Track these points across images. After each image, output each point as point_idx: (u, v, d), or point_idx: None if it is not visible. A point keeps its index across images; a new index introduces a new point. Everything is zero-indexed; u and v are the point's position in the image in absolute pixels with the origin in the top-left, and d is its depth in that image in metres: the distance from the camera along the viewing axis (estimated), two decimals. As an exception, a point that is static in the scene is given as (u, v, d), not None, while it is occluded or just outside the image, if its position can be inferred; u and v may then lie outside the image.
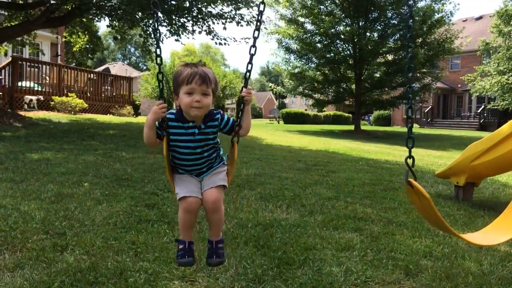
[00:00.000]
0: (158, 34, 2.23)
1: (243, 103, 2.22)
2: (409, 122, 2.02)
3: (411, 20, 2.05)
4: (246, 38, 13.34)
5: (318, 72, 23.36)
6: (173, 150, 2.20)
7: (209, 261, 2.21)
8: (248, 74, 2.29)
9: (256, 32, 2.28)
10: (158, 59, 2.19)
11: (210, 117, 2.19)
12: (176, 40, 13.16)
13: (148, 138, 2.15)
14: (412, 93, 2.05)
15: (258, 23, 2.31)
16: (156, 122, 2.13)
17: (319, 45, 22.36)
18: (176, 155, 2.20)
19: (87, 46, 16.33)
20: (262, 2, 2.30)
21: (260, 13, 2.33)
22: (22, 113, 12.62)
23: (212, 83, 2.12)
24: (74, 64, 22.79)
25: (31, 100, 14.75)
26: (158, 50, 2.19)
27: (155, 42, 2.25)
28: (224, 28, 13.26)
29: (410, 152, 1.97)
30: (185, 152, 2.17)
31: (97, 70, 24.99)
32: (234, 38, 13.49)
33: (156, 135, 2.16)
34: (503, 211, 2.75)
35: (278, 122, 34.76)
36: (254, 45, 2.26)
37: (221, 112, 2.27)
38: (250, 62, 2.26)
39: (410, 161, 1.96)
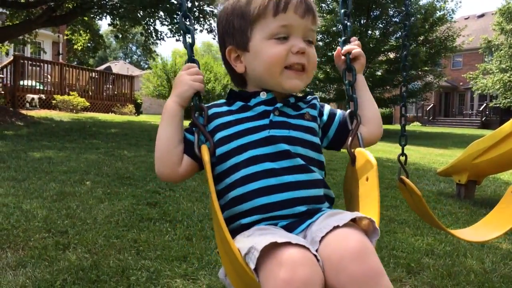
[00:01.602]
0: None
1: (353, 70, 1.22)
2: (403, 120, 2.06)
3: (407, 22, 2.06)
4: None
5: (320, 71, 23.34)
6: (225, 168, 1.09)
7: None
8: (347, 19, 1.31)
9: None
10: None
11: (301, 96, 1.19)
12: (177, 40, 13.20)
13: (165, 150, 1.07)
14: (406, 91, 2.09)
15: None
16: (184, 117, 1.10)
17: (320, 43, 22.33)
18: (235, 176, 1.07)
19: (89, 44, 16.36)
20: None
21: None
22: (24, 111, 12.65)
23: (317, 18, 1.15)
24: (75, 62, 22.83)
25: (32, 98, 14.78)
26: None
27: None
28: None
29: (403, 149, 2.02)
30: (256, 156, 1.05)
31: (98, 68, 25.01)
32: None
33: (185, 146, 1.09)
34: (494, 207, 2.74)
35: (280, 121, 34.70)
36: None
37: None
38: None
39: (402, 158, 2.00)
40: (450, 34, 21.89)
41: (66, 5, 12.44)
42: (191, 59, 1.16)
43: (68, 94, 15.75)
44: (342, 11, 1.32)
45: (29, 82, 15.41)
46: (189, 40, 1.18)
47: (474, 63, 32.09)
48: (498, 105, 28.06)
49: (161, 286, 2.43)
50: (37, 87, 15.67)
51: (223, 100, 1.18)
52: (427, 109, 36.27)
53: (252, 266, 0.86)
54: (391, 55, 22.67)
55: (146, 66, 66.76)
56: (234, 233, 1.02)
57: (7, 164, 5.58)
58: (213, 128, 1.10)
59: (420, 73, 21.65)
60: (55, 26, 15.09)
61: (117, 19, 12.73)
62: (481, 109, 33.06)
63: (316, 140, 1.17)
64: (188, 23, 1.17)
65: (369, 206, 1.07)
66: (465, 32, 22.92)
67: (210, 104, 1.16)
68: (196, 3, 11.99)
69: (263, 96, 1.10)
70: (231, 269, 0.97)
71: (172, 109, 1.08)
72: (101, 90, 18.68)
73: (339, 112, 1.23)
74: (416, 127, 29.24)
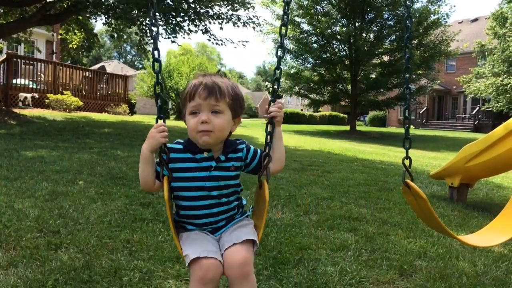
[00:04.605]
0: (156, 34, 1.74)
1: (272, 124, 1.72)
2: (407, 123, 2.00)
3: (408, 21, 2.04)
4: (244, 41, 13.41)
5: (314, 73, 23.40)
6: (178, 196, 1.67)
7: None
8: (276, 83, 1.77)
9: (283, 29, 1.79)
10: (156, 64, 1.66)
11: (232, 147, 1.70)
12: (172, 41, 13.15)
13: (144, 178, 1.64)
14: (409, 94, 2.04)
15: (285, 17, 1.82)
16: (155, 154, 1.62)
17: (315, 45, 22.40)
18: (183, 202, 1.67)
19: (83, 43, 16.29)
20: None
21: (286, 4, 1.86)
22: (16, 110, 12.56)
23: (226, 96, 1.60)
24: (69, 62, 22.72)
25: (25, 97, 14.69)
26: (155, 52, 1.68)
27: (151, 42, 1.88)
28: (221, 28, 13.25)
29: (407, 152, 1.95)
30: (196, 195, 1.64)
31: (92, 68, 24.91)
32: (231, 40, 13.49)
33: (156, 174, 1.64)
34: (499, 213, 2.76)
35: (274, 122, 34.74)
36: (281, 45, 1.79)
37: (246, 142, 1.79)
38: (277, 67, 1.76)
39: (407, 161, 1.95)
40: (444, 38, 22.02)
41: (61, 4, 12.38)
42: (160, 117, 1.63)
43: (62, 93, 15.66)
44: (276, 85, 1.77)
45: (22, 81, 15.31)
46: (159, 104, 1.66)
47: (467, 67, 32.27)
48: (490, 108, 28.24)
49: (153, 286, 2.42)
50: (30, 86, 15.57)
51: (179, 146, 1.66)
52: (421, 112, 36.48)
53: (186, 264, 1.55)
54: (385, 58, 22.78)
55: (140, 66, 66.59)
56: (179, 226, 1.72)
57: (-1, 163, 5.54)
58: (171, 167, 1.63)
59: (413, 76, 21.77)
60: (49, 24, 14.99)
61: (113, 19, 12.69)
62: (473, 112, 33.31)
63: (236, 181, 1.72)
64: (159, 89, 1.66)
65: (260, 224, 1.70)
66: (459, 37, 23.05)
67: (171, 147, 1.65)
68: (192, 5, 11.98)
69: (205, 154, 1.63)
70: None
71: (146, 155, 1.61)
72: (95, 89, 18.59)
73: (259, 152, 1.76)
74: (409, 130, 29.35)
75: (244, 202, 1.79)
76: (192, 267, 1.52)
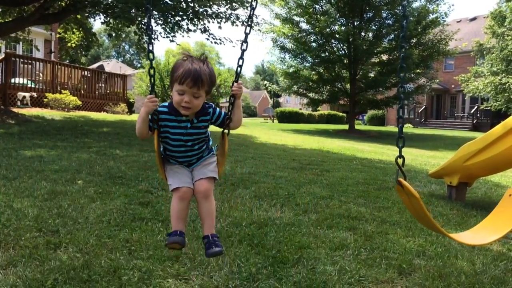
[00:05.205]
0: (150, 30, 2.31)
1: (234, 97, 2.30)
2: (400, 122, 2.02)
3: (405, 21, 2.05)
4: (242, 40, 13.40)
5: (313, 72, 23.39)
6: (164, 141, 2.29)
7: (209, 252, 2.19)
8: (239, 69, 2.34)
9: (248, 28, 2.34)
10: (150, 54, 2.24)
11: (203, 111, 2.25)
12: (171, 41, 13.14)
13: (140, 130, 2.22)
14: (403, 93, 2.06)
15: (250, 20, 2.35)
16: (149, 115, 2.18)
17: (314, 44, 22.38)
18: (168, 146, 2.29)
19: (82, 42, 16.25)
20: None
21: (252, 9, 2.37)
22: (15, 110, 12.53)
23: (205, 85, 2.14)
24: (68, 61, 22.69)
25: (24, 97, 14.66)
26: (150, 46, 2.24)
27: (148, 39, 2.29)
28: (220, 28, 13.24)
29: (400, 151, 1.99)
30: (176, 144, 2.26)
31: (91, 67, 24.86)
32: (230, 39, 13.47)
33: (148, 128, 2.22)
34: (492, 211, 2.77)
35: (273, 121, 34.78)
36: (245, 41, 2.31)
37: (213, 105, 2.33)
38: (241, 57, 2.34)
39: (400, 160, 1.97)
40: (442, 37, 22.02)
41: (59, 3, 12.36)
42: (152, 91, 2.20)
43: (60, 93, 15.63)
44: (239, 69, 2.32)
45: (21, 80, 15.26)
46: (152, 79, 2.25)
47: (466, 66, 32.22)
48: (489, 107, 28.23)
49: (153, 286, 2.43)
50: (29, 85, 15.54)
51: (165, 109, 2.20)
52: (419, 111, 36.47)
53: (170, 190, 2.24)
54: (384, 57, 22.77)
55: (139, 65, 66.56)
56: (165, 160, 2.34)
57: (-2, 163, 5.53)
58: (160, 124, 2.22)
59: (412, 75, 21.78)
60: (48, 24, 14.96)
61: (112, 18, 12.66)
62: (472, 111, 33.29)
63: (206, 134, 2.32)
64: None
65: (221, 161, 2.36)
66: (457, 36, 23.01)
67: (159, 108, 2.19)
68: (191, 4, 11.97)
69: (184, 118, 2.20)
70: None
71: (143, 116, 2.16)
72: (94, 88, 18.54)
73: (223, 113, 2.31)
74: (408, 129, 29.40)
75: (210, 143, 2.40)
76: (174, 192, 2.22)
